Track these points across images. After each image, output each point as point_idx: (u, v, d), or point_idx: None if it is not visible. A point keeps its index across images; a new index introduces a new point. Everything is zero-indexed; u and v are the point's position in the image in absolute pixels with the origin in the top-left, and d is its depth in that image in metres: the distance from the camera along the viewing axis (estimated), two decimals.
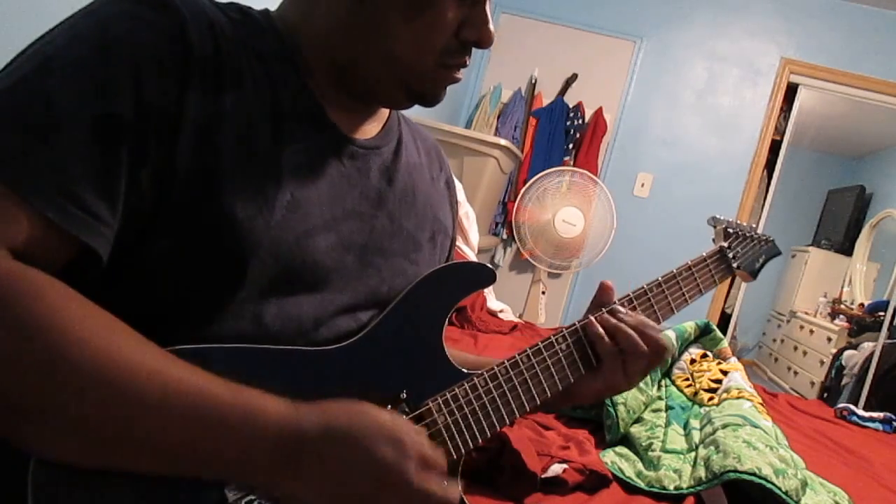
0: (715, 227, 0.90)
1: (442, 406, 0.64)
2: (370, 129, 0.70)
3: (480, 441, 0.65)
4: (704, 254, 0.84)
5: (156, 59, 0.52)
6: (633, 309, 0.76)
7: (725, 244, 0.87)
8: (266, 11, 0.65)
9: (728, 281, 3.93)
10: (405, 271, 0.69)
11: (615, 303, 0.75)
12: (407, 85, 0.64)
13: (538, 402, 0.69)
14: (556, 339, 0.71)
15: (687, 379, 1.63)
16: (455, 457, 0.64)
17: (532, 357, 0.69)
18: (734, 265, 0.86)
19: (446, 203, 0.82)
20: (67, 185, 0.48)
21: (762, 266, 0.93)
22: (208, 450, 0.48)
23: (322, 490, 0.51)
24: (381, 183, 0.69)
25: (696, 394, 1.55)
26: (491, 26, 0.64)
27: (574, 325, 0.73)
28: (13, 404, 0.44)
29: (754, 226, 0.93)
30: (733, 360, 1.70)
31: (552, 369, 0.70)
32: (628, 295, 0.76)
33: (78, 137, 0.48)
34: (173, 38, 0.53)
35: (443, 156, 0.85)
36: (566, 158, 3.50)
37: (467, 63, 0.65)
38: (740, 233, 0.89)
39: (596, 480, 1.09)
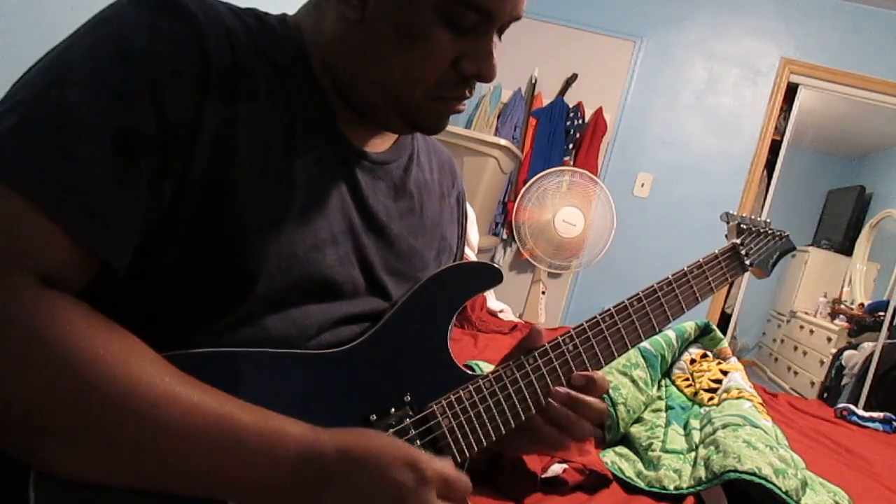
0: (728, 223, 0.86)
1: (446, 409, 0.64)
2: (381, 143, 0.69)
3: (485, 444, 0.65)
4: (717, 251, 0.81)
5: (174, 71, 0.51)
6: (624, 309, 0.73)
7: (738, 241, 0.84)
8: (283, 17, 0.64)
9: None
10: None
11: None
12: (399, 112, 0.61)
13: (544, 406, 0.68)
14: (563, 340, 0.70)
15: (687, 379, 1.63)
16: (460, 460, 0.63)
17: (538, 358, 0.69)
18: (747, 262, 0.83)
19: (454, 221, 0.81)
20: (91, 202, 0.47)
21: (776, 262, 0.89)
22: (229, 474, 0.48)
23: None
24: (389, 199, 0.68)
25: (696, 394, 1.55)
26: (495, 60, 0.60)
27: (582, 324, 0.72)
28: (43, 431, 0.45)
29: (769, 221, 0.89)
30: (733, 360, 1.70)
31: (559, 371, 0.69)
32: (638, 294, 0.74)
33: (100, 151, 0.48)
34: (191, 49, 0.52)
35: (456, 171, 0.84)
36: (566, 158, 3.50)
37: (468, 95, 0.62)
38: (754, 228, 0.87)
39: (596, 480, 1.09)
